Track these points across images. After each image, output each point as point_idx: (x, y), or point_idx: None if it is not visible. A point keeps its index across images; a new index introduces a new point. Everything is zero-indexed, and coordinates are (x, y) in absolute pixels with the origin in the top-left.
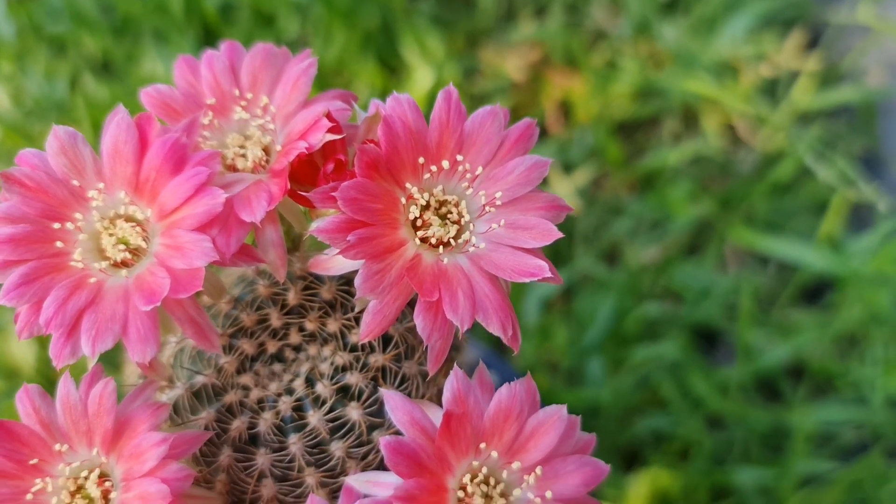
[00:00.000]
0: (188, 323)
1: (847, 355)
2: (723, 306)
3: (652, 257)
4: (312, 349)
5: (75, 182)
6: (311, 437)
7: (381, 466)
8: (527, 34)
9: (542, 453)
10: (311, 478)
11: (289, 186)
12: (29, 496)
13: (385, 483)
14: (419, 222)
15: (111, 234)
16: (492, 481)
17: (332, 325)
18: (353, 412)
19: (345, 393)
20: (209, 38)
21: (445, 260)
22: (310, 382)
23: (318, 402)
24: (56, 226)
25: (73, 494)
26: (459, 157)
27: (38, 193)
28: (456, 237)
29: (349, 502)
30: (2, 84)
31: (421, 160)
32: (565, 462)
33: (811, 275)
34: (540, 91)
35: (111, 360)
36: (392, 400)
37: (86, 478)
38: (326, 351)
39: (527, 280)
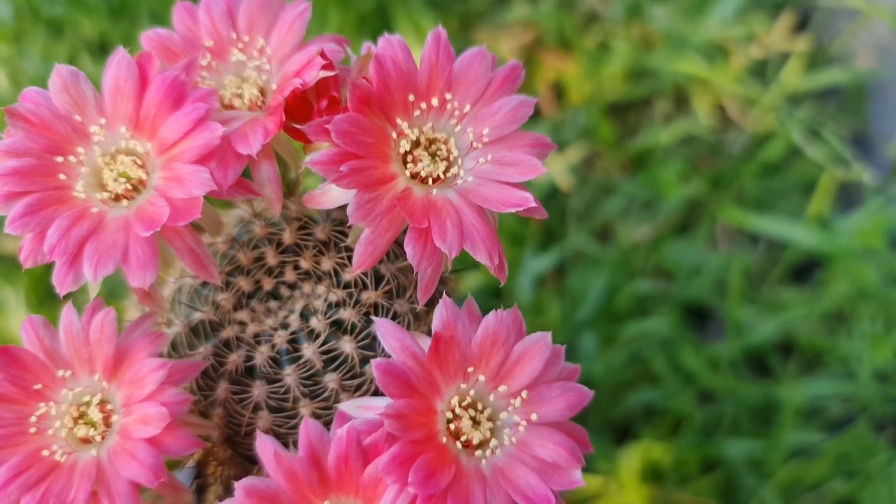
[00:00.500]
0: (187, 253)
1: (835, 331)
2: (713, 284)
3: (643, 235)
4: (307, 286)
5: (77, 118)
6: (305, 368)
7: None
8: (520, 16)
9: (528, 378)
10: (305, 409)
11: (284, 121)
12: (33, 418)
13: (377, 408)
14: (409, 158)
15: (112, 169)
16: (479, 405)
17: (326, 264)
18: (346, 345)
19: (338, 327)
20: None
21: (435, 192)
22: (304, 317)
23: (312, 335)
24: (59, 159)
25: (75, 421)
26: (448, 96)
27: (42, 129)
28: (444, 172)
29: (342, 426)
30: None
31: (411, 98)
32: (550, 388)
33: (800, 253)
34: (533, 73)
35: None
36: (383, 327)
37: (87, 403)
38: (321, 288)
39: (513, 210)
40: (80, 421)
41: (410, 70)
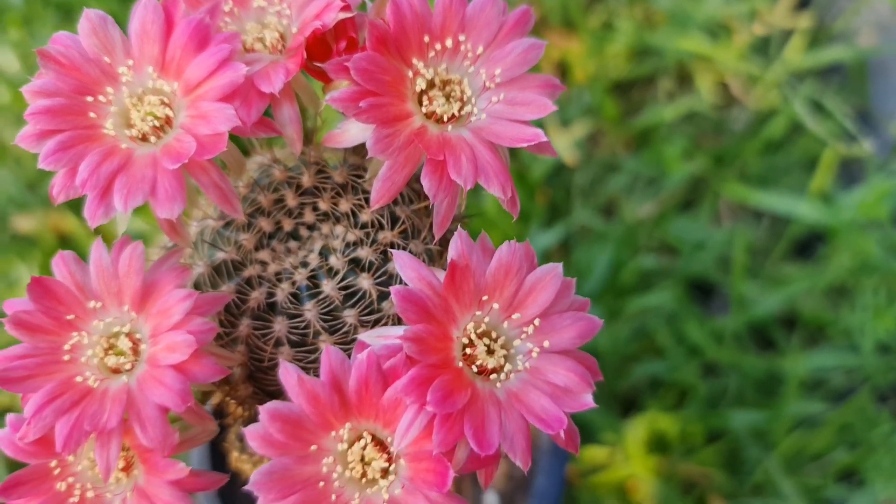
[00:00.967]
0: (213, 188)
1: (838, 304)
2: (717, 259)
3: (648, 212)
4: (325, 227)
5: (106, 59)
6: (325, 304)
7: None
8: None
9: (541, 307)
10: (325, 343)
11: (305, 60)
12: (66, 346)
13: (396, 335)
14: (425, 98)
15: (139, 109)
16: (493, 334)
17: (344, 205)
18: (364, 281)
19: (356, 265)
20: None
21: (449, 129)
22: (323, 256)
23: (331, 272)
24: (89, 99)
25: (106, 352)
26: (462, 38)
27: (72, 70)
28: (459, 111)
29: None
30: (10, 49)
31: (426, 39)
32: (562, 317)
33: (803, 227)
34: None
35: None
36: (401, 259)
37: (117, 334)
38: (339, 229)
39: (524, 145)
40: (111, 352)
41: (425, 12)
